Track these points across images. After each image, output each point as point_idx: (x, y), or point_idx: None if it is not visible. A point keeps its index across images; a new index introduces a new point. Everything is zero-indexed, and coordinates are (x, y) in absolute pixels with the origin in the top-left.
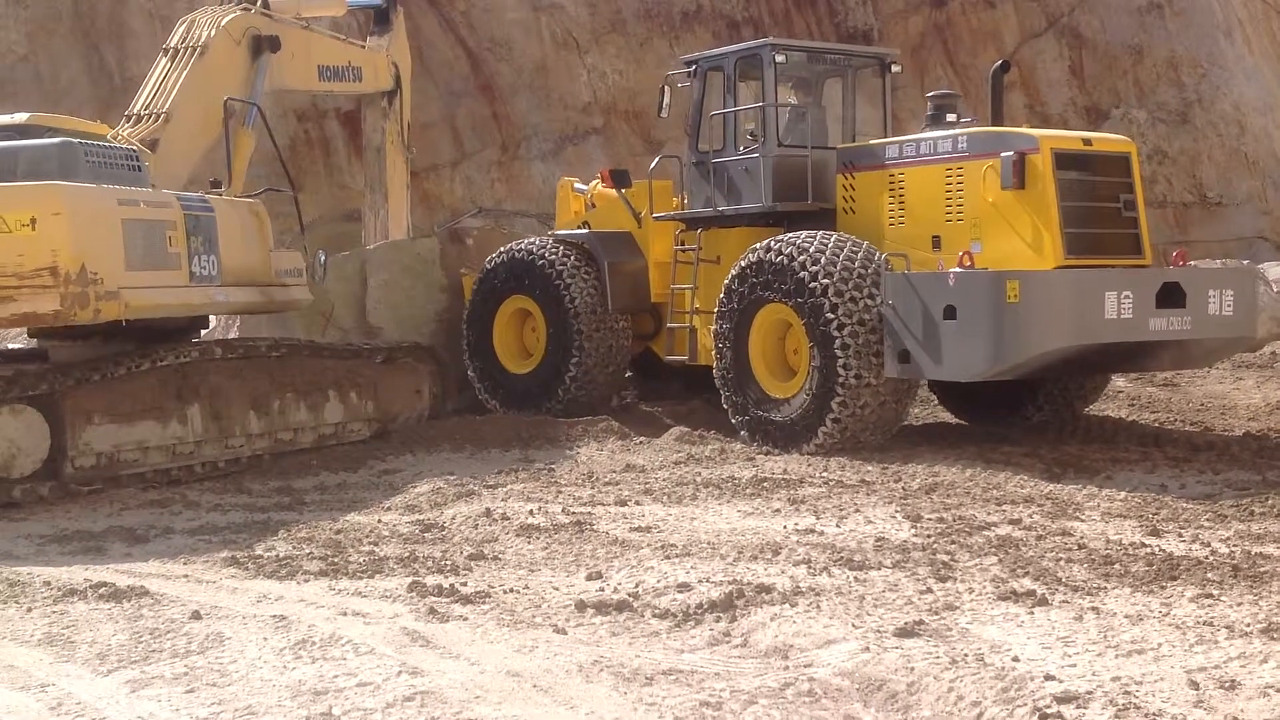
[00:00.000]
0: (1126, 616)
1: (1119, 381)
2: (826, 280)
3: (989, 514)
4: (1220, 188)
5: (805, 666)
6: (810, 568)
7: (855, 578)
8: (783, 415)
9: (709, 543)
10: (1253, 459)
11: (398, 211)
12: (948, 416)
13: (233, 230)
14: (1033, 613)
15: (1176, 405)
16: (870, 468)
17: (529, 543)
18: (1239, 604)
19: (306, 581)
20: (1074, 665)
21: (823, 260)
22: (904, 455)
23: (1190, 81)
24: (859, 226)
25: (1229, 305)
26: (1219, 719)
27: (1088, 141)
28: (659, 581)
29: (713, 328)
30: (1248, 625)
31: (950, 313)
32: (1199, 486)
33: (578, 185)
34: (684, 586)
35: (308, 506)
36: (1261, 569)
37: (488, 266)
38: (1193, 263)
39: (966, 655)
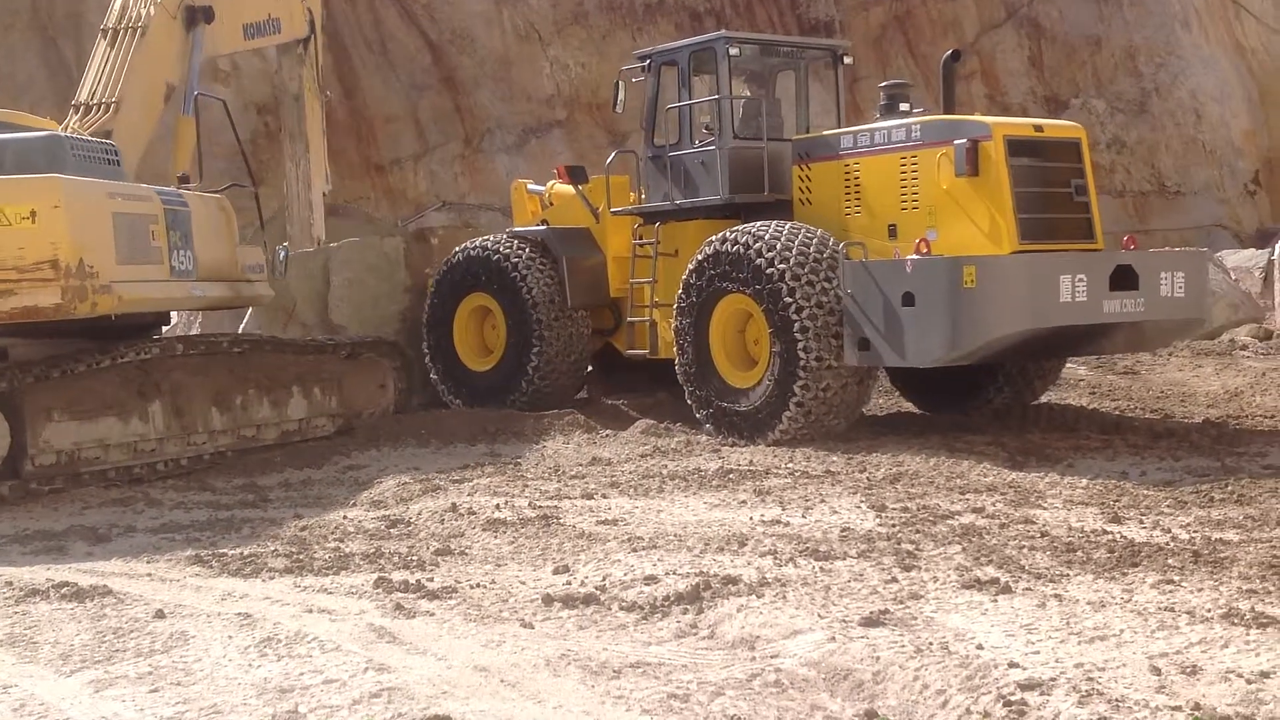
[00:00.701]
0: (1089, 603)
1: (1080, 370)
2: (784, 266)
3: (953, 503)
4: (1178, 176)
5: (772, 657)
6: (776, 558)
7: (821, 568)
8: (745, 405)
9: (675, 535)
10: (1212, 446)
11: (318, 159)
12: (911, 407)
13: (205, 225)
14: (996, 601)
15: (1137, 393)
16: (835, 458)
17: (495, 537)
18: (1199, 590)
19: (271, 579)
20: (1037, 652)
21: (778, 247)
22: (868, 445)
23: (1148, 71)
24: (815, 217)
25: (1180, 287)
26: (1181, 704)
27: (1039, 128)
28: (626, 574)
29: (673, 321)
30: (1208, 610)
31: (908, 300)
32: (1159, 473)
33: (531, 186)
34: (651, 579)
35: (272, 503)
36: (1221, 555)
37: (445, 265)
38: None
39: (931, 644)
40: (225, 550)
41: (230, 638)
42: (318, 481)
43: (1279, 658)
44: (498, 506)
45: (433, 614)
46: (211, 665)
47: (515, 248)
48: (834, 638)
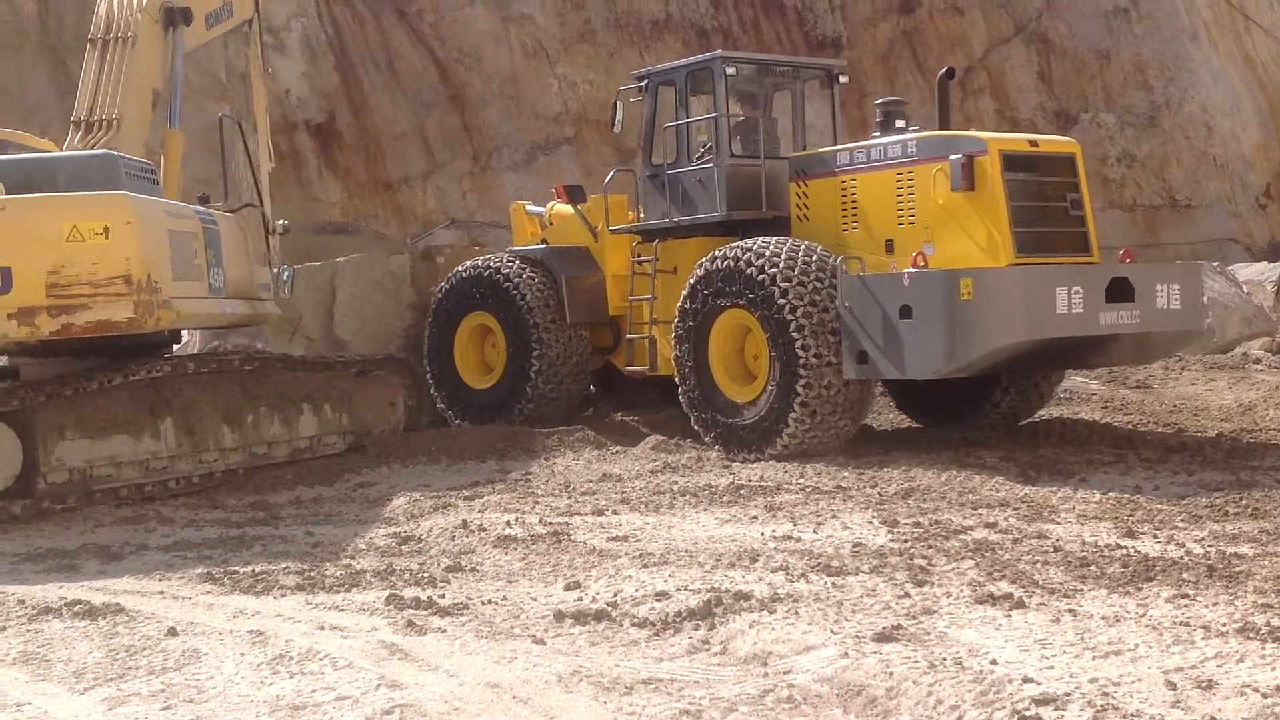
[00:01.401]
0: (1103, 618)
1: (1092, 384)
2: (786, 284)
3: (965, 518)
4: (1189, 190)
5: (784, 673)
6: (788, 574)
7: (833, 583)
8: (746, 419)
9: (687, 551)
10: (1226, 459)
11: (264, 139)
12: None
13: (230, 244)
14: (1010, 615)
15: (1149, 407)
16: (846, 473)
17: (506, 554)
18: (1214, 604)
19: (283, 596)
20: (1052, 667)
21: (780, 263)
22: (879, 460)
23: (1158, 85)
24: (813, 233)
25: (1176, 299)
26: (1196, 719)
27: (1034, 143)
28: (637, 590)
29: (672, 337)
30: (1223, 625)
31: (906, 312)
32: (1173, 488)
33: (530, 207)
34: (662, 595)
35: (283, 521)
36: (1236, 569)
37: (447, 285)
38: None
39: (945, 659)
40: (237, 568)
41: (242, 655)
42: (329, 499)
43: None
44: (509, 523)
45: (444, 631)
46: (224, 683)
47: (515, 267)
48: (847, 653)
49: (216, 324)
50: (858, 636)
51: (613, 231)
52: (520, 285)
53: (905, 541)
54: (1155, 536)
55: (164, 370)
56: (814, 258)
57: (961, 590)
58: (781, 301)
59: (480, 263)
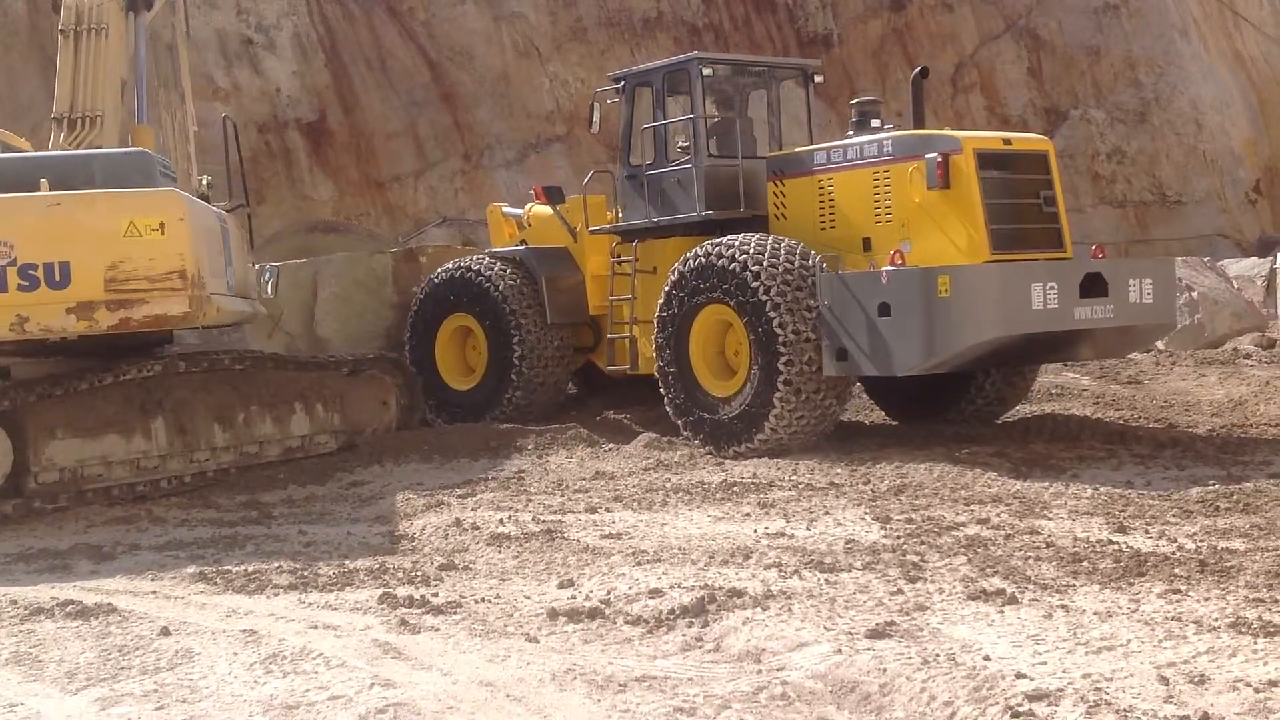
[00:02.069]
0: (1095, 613)
1: (1083, 380)
2: (758, 267)
3: (957, 514)
4: (1179, 186)
5: (778, 670)
6: (781, 571)
7: (826, 580)
8: (725, 414)
9: (680, 548)
10: (1217, 454)
11: (189, 108)
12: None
13: (236, 242)
14: (1003, 611)
15: (1141, 402)
16: (839, 470)
17: (499, 552)
18: (1206, 599)
19: (276, 595)
20: (1044, 663)
21: (750, 249)
22: (872, 457)
23: (1148, 81)
24: (791, 232)
25: (1149, 293)
26: (1189, 713)
27: (1007, 141)
28: (630, 588)
29: (653, 335)
30: (1215, 620)
31: (884, 310)
32: (1165, 483)
33: (507, 209)
34: (656, 592)
35: (276, 520)
36: (1228, 564)
37: (428, 286)
38: None
39: (938, 655)
40: (230, 567)
41: (235, 654)
42: (321, 498)
43: None
44: (501, 521)
45: (437, 629)
46: (217, 682)
47: (496, 268)
48: (840, 650)
49: (228, 321)
50: (851, 633)
51: (592, 232)
52: (501, 286)
53: (898, 538)
54: (1147, 532)
55: (155, 370)
56: (783, 244)
57: (954, 586)
58: (755, 285)
59: (460, 264)
